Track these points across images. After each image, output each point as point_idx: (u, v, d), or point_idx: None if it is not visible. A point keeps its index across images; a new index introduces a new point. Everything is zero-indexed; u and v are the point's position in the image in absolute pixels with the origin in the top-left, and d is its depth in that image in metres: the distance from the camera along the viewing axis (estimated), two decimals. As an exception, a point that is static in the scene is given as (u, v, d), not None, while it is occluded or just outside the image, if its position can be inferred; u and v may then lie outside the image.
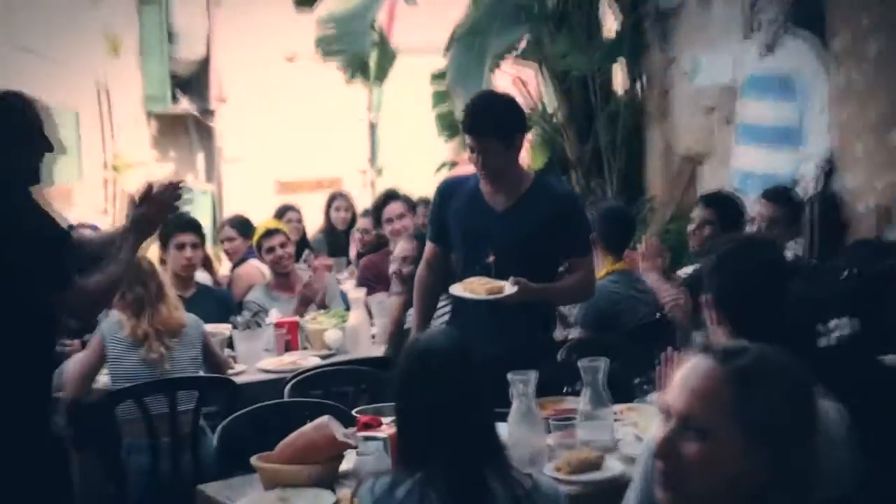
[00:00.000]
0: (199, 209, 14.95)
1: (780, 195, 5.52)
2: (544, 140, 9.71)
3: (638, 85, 9.16)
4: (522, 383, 3.78)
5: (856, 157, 7.07)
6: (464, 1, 9.36)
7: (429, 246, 4.98)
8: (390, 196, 7.66)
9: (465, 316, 4.72)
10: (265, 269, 7.34)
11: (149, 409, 5.07)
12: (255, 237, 6.88)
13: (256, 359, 5.90)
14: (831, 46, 7.13)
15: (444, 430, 2.93)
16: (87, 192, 15.17)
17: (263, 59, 15.66)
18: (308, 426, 3.76)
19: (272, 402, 4.68)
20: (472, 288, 4.50)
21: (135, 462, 5.17)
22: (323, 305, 6.69)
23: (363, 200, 12.97)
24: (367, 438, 3.67)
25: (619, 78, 9.49)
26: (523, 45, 9.27)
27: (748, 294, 3.04)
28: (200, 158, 16.70)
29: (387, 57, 9.71)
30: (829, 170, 7.24)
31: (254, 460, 3.75)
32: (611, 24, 9.25)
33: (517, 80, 9.78)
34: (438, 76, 9.78)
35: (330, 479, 3.71)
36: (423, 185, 14.37)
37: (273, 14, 13.81)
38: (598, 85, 9.06)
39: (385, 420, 3.90)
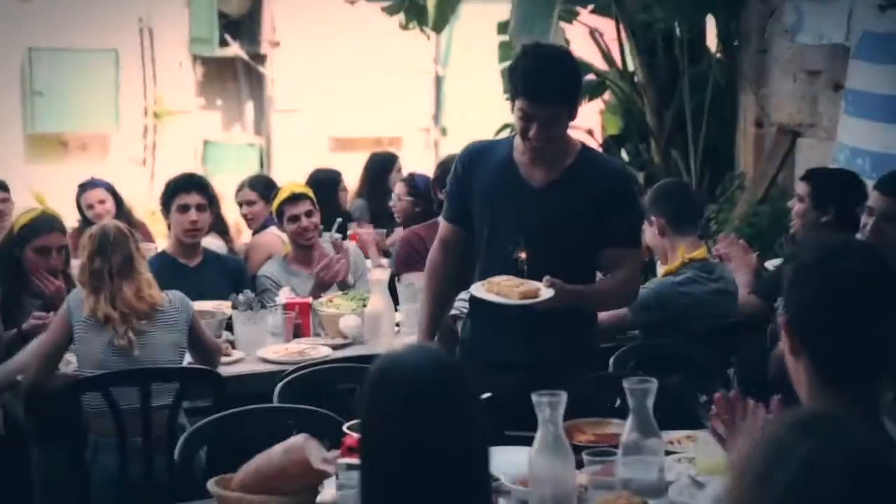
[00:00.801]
0: (246, 164, 14.51)
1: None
2: (621, 103, 8.96)
3: (732, 43, 8.40)
4: (550, 406, 3.12)
5: None
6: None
7: (445, 225, 4.33)
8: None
9: (487, 316, 4.11)
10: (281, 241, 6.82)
11: (117, 402, 4.44)
12: (277, 201, 6.10)
13: (258, 345, 5.28)
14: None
15: (410, 480, 2.25)
16: (124, 140, 14.82)
17: (320, 2, 15.02)
18: (278, 447, 3.14)
19: (249, 407, 4.02)
20: (499, 289, 3.87)
21: (101, 463, 4.56)
22: (345, 285, 6.00)
23: (425, 163, 12.41)
24: (349, 467, 3.03)
25: (711, 34, 8.77)
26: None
27: (835, 320, 2.32)
28: (249, 108, 16.18)
29: (449, 3, 8.82)
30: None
31: (211, 486, 3.17)
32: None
33: (594, 32, 9.12)
34: (506, 25, 9.03)
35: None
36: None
37: None
38: (686, 41, 8.32)
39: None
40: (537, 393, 3.09)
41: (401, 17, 9.66)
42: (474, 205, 4.13)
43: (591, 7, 8.99)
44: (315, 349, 5.17)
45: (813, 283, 2.32)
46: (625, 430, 3.26)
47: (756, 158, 8.03)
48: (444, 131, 17.17)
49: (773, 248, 7.20)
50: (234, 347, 5.22)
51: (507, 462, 3.39)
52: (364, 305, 5.47)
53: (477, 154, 4.19)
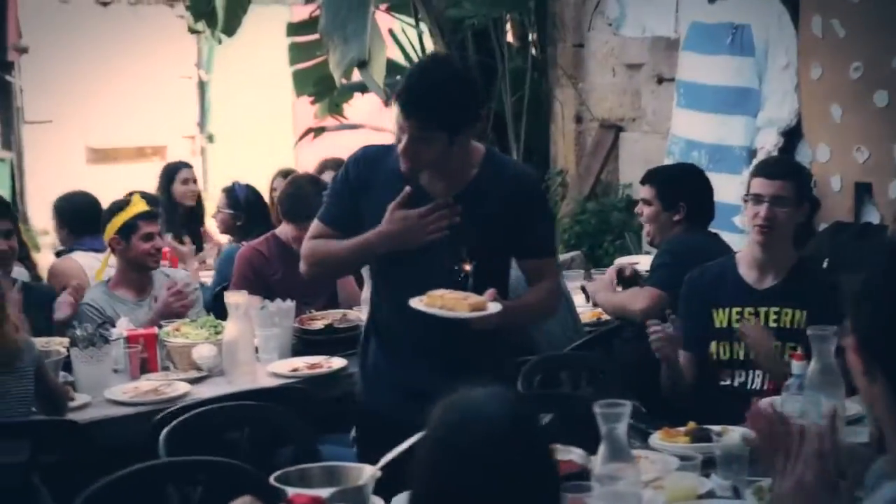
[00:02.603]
0: (-7, 184, 13.68)
1: (785, 166, 4.55)
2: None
3: (548, 36, 8.10)
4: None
5: (830, 124, 6.21)
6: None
7: (320, 226, 3.75)
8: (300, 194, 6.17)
9: (396, 339, 3.71)
10: (87, 263, 6.04)
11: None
12: (128, 214, 5.40)
13: (103, 385, 4.60)
14: (802, -8, 6.20)
15: None
16: None
17: (72, 1, 14.37)
18: None
19: (149, 463, 3.45)
20: (444, 303, 3.40)
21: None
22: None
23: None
24: None
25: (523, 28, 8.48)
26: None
27: None
28: (-5, 121, 15.23)
29: (240, 3, 8.33)
30: (791, 140, 6.41)
31: None
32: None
33: (391, 31, 8.80)
34: (301, 27, 8.80)
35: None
36: (262, 154, 13.64)
37: None
38: (502, 36, 8.02)
39: (324, 493, 2.84)
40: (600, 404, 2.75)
41: (189, 19, 9.17)
42: (368, 214, 3.63)
43: (385, 6, 8.63)
44: (170, 386, 4.55)
45: (889, 298, 2.06)
46: (598, 458, 2.86)
47: (578, 154, 7.79)
48: (210, 138, 16.65)
49: (603, 244, 7.04)
50: (75, 390, 4.51)
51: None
52: (217, 333, 4.90)
53: (372, 159, 3.70)
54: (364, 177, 3.67)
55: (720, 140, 6.53)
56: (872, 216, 5.99)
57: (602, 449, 2.85)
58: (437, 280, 3.46)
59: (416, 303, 3.39)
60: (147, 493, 3.24)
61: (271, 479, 2.92)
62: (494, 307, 3.39)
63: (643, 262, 5.75)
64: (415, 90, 3.47)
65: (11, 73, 14.55)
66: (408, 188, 3.47)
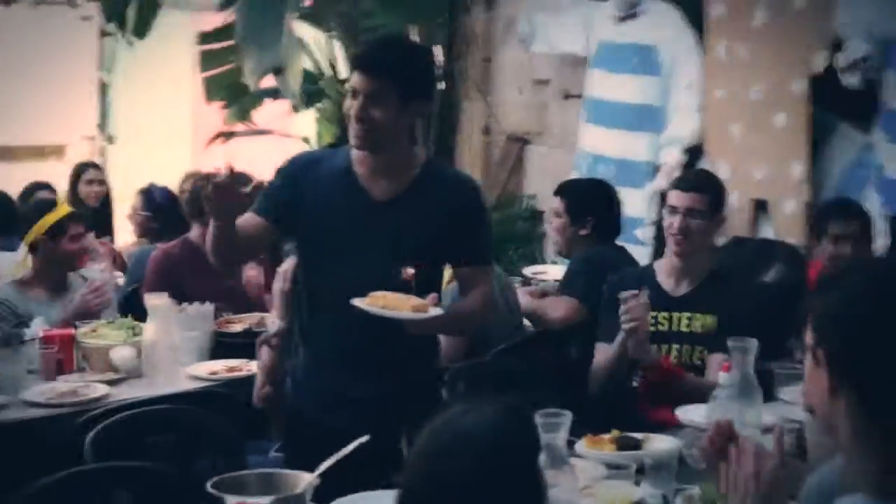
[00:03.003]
0: None
1: (702, 179, 4.66)
2: (337, 108, 8.54)
3: (456, 50, 8.12)
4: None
5: (730, 143, 6.33)
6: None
7: (248, 216, 3.57)
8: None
9: (326, 348, 3.67)
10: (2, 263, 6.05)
11: None
12: (55, 216, 5.32)
13: (19, 385, 4.50)
14: (707, 13, 6.30)
15: None
16: None
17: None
18: None
19: (75, 470, 3.36)
20: (386, 303, 3.35)
21: None
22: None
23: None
24: None
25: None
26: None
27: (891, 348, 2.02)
28: None
29: (150, 7, 8.30)
30: (694, 157, 6.54)
31: None
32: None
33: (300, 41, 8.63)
34: (212, 35, 8.70)
35: None
36: (163, 157, 13.53)
37: None
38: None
39: (263, 502, 2.83)
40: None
41: (98, 21, 9.11)
42: (307, 214, 3.58)
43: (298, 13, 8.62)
44: (88, 387, 4.45)
45: (858, 310, 2.03)
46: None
47: (484, 166, 7.83)
48: (110, 139, 16.43)
49: (508, 252, 7.09)
50: None
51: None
52: (136, 334, 4.82)
53: (309, 162, 3.67)
54: (301, 176, 3.61)
55: (625, 155, 6.63)
56: (768, 232, 6.12)
57: (541, 457, 2.96)
58: (376, 283, 3.40)
59: (359, 302, 3.32)
60: (75, 499, 3.20)
61: (208, 487, 2.92)
62: (435, 311, 3.36)
63: (551, 272, 5.85)
64: (373, 48, 3.56)
65: None
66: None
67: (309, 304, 3.72)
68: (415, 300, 3.37)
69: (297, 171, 3.64)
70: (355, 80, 3.43)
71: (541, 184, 6.85)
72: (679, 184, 4.54)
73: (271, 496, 2.85)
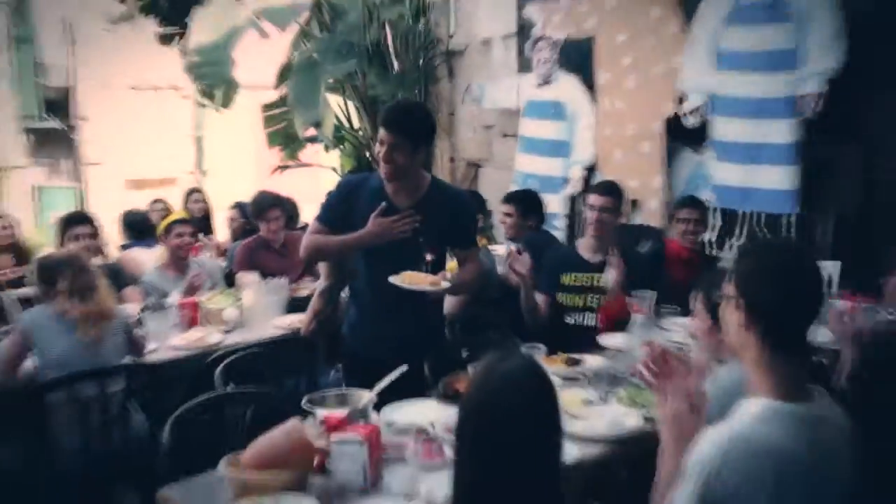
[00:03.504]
0: (65, 203, 13.11)
1: (610, 186, 4.46)
2: (354, 148, 8.36)
3: (430, 106, 7.87)
4: None
5: (614, 163, 6.20)
6: (273, 48, 7.95)
7: (318, 226, 3.54)
8: (274, 201, 5.85)
9: (369, 304, 3.53)
10: (138, 255, 5.86)
11: (80, 394, 3.60)
12: (168, 221, 5.25)
13: (165, 336, 4.41)
14: (596, 81, 6.17)
15: (520, 483, 1.70)
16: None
17: (115, 88, 13.91)
18: (278, 432, 2.44)
19: (215, 394, 3.23)
20: (412, 280, 3.26)
21: (66, 444, 3.65)
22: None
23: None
24: (341, 442, 2.45)
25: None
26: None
27: (790, 297, 1.95)
28: (67, 163, 14.58)
29: (232, 89, 8.06)
30: (590, 172, 6.35)
31: (223, 468, 2.39)
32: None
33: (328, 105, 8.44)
34: (271, 105, 8.46)
35: (303, 484, 2.41)
36: (242, 182, 13.37)
37: (125, 49, 12.29)
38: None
39: (342, 411, 2.70)
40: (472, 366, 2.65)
41: (194, 98, 8.87)
42: (354, 221, 3.42)
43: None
44: (210, 335, 4.39)
45: (770, 272, 1.94)
46: None
47: (452, 182, 7.58)
48: (204, 173, 16.30)
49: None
50: (145, 339, 4.25)
51: (423, 414, 2.93)
52: (238, 300, 4.73)
53: (354, 184, 3.51)
54: (349, 195, 3.49)
55: (547, 173, 6.50)
56: (640, 220, 6.01)
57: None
58: (404, 264, 3.31)
59: (393, 279, 3.24)
60: (210, 415, 3.06)
61: (303, 403, 2.78)
62: (445, 284, 3.28)
63: (500, 249, 5.70)
64: (395, 113, 3.31)
65: (76, 133, 14.03)
66: (383, 203, 3.33)
67: (354, 281, 3.62)
68: (431, 277, 3.28)
69: (346, 191, 3.51)
70: (382, 134, 3.29)
71: (490, 193, 6.69)
72: (595, 189, 4.42)
73: (347, 408, 2.72)
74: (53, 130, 14.33)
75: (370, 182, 3.48)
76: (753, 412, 1.92)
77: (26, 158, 14.14)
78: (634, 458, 2.71)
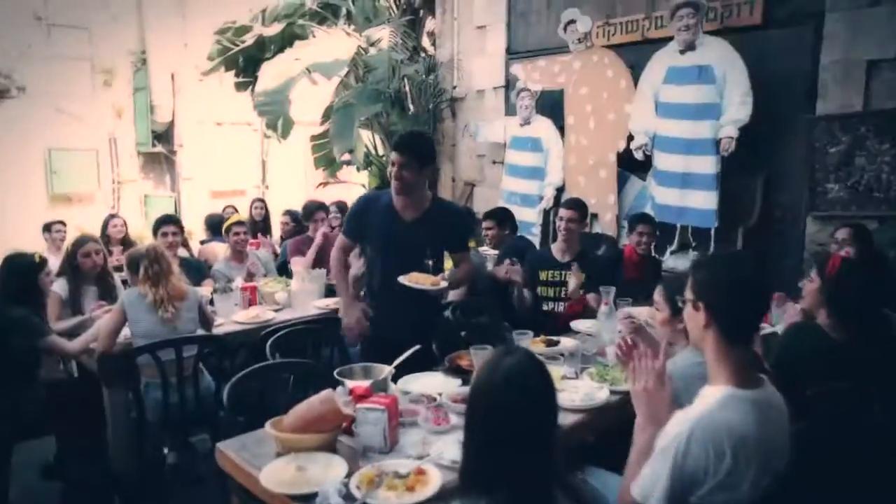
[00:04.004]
0: (166, 208, 12.84)
1: (576, 202, 4.19)
2: (378, 169, 8.05)
3: (437, 139, 7.47)
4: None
5: (578, 185, 5.86)
6: (315, 94, 7.58)
7: (342, 239, 3.27)
8: (319, 207, 5.59)
9: (389, 300, 3.15)
10: (216, 247, 5.59)
11: (161, 358, 3.31)
12: (228, 223, 4.96)
13: (230, 312, 4.14)
14: (565, 122, 5.88)
15: (519, 455, 1.39)
16: (102, 196, 12.60)
17: (204, 122, 13.63)
18: (315, 399, 2.15)
19: (264, 364, 2.93)
20: (417, 279, 2.97)
21: (151, 396, 3.39)
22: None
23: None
24: (367, 409, 2.15)
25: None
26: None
27: (742, 300, 1.70)
28: (167, 178, 14.24)
29: (289, 125, 7.72)
30: (560, 192, 5.97)
31: (269, 429, 2.13)
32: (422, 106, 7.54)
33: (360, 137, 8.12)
34: (317, 136, 8.05)
35: (333, 444, 2.15)
36: (292, 193, 13.12)
37: (212, 94, 12.14)
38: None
39: (366, 382, 2.42)
40: (474, 347, 2.35)
41: (264, 129, 8.54)
42: (369, 231, 3.17)
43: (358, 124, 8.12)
44: (264, 313, 4.09)
45: (725, 279, 1.69)
46: None
47: (453, 197, 7.23)
48: (267, 186, 15.92)
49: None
50: (215, 315, 4.02)
51: (432, 385, 2.64)
52: (287, 285, 4.44)
53: (370, 201, 3.21)
54: (365, 209, 3.19)
55: (526, 191, 6.18)
56: (598, 229, 5.69)
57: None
58: (411, 266, 3.01)
59: (402, 279, 2.96)
60: (262, 381, 2.75)
61: (335, 373, 2.51)
62: (443, 283, 2.99)
63: (489, 251, 5.40)
64: (406, 139, 3.04)
65: (176, 156, 13.73)
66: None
67: (371, 276, 3.28)
68: (433, 278, 3.00)
69: (361, 208, 3.21)
70: (394, 156, 3.01)
71: (482, 206, 6.41)
72: (565, 204, 4.15)
73: (370, 379, 2.44)
74: (159, 154, 14.03)
75: (382, 199, 3.17)
76: (715, 398, 1.66)
77: (139, 174, 13.84)
78: (602, 425, 2.43)
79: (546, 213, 6.02)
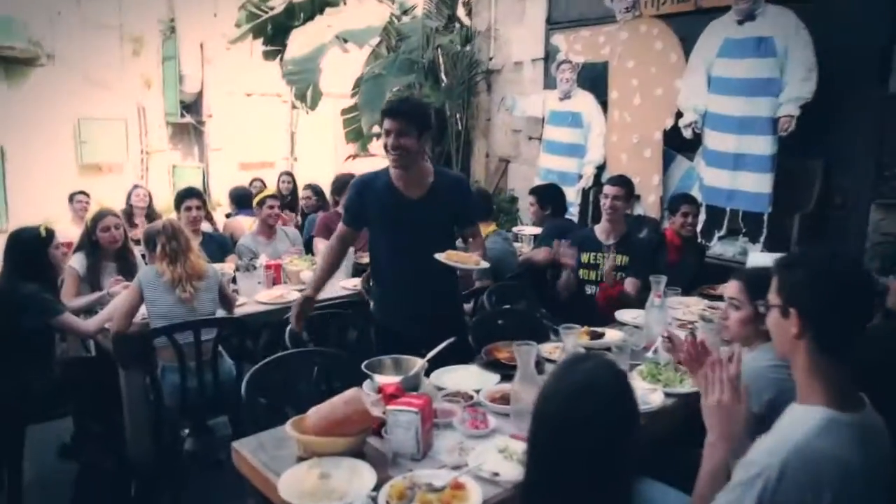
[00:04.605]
0: (194, 179, 12.76)
1: (623, 179, 3.91)
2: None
3: (472, 114, 7.24)
4: (527, 353, 2.04)
5: (620, 164, 5.55)
6: (346, 65, 7.33)
7: (342, 227, 2.95)
8: (345, 182, 5.37)
9: (395, 284, 2.84)
10: (242, 222, 5.41)
11: (179, 341, 3.13)
12: (260, 196, 4.72)
13: (253, 291, 3.94)
14: (610, 96, 5.55)
15: (592, 474, 1.18)
16: (131, 166, 12.54)
17: (233, 93, 13.50)
18: (338, 399, 1.94)
19: (288, 352, 2.72)
20: (458, 258, 2.63)
21: (168, 380, 3.22)
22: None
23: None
24: (399, 411, 1.93)
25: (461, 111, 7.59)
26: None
27: (844, 309, 1.42)
28: (196, 149, 14.16)
29: (317, 95, 7.49)
30: (600, 171, 5.69)
31: (289, 430, 1.93)
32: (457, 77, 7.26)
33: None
34: (348, 109, 7.78)
35: (359, 448, 1.93)
36: (321, 167, 12.99)
37: (241, 64, 11.99)
38: (451, 113, 7.13)
39: (396, 378, 2.19)
40: (517, 343, 2.10)
41: (293, 101, 8.35)
42: (371, 215, 2.83)
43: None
44: (289, 293, 3.87)
45: (823, 282, 1.42)
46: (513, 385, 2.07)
47: (486, 174, 7.02)
48: (296, 159, 15.81)
49: (499, 221, 6.40)
50: (238, 294, 3.85)
51: (468, 380, 2.42)
52: (313, 264, 4.22)
53: (365, 183, 2.85)
54: (362, 193, 2.84)
55: (564, 169, 5.91)
56: (641, 211, 5.39)
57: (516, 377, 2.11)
58: (424, 251, 2.65)
59: (439, 256, 2.60)
60: (286, 371, 2.53)
61: (363, 367, 2.28)
62: (484, 264, 2.66)
63: (527, 230, 5.15)
64: (399, 103, 2.69)
65: (204, 127, 13.62)
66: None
67: (377, 260, 2.93)
68: (473, 256, 2.67)
69: (359, 190, 2.85)
70: (388, 123, 2.65)
71: (517, 184, 6.18)
72: (609, 181, 3.89)
73: (401, 374, 2.22)
74: (187, 124, 13.94)
75: (379, 179, 2.81)
76: (812, 423, 1.40)
77: (167, 144, 13.78)
78: (655, 431, 2.19)
79: (585, 192, 5.74)
